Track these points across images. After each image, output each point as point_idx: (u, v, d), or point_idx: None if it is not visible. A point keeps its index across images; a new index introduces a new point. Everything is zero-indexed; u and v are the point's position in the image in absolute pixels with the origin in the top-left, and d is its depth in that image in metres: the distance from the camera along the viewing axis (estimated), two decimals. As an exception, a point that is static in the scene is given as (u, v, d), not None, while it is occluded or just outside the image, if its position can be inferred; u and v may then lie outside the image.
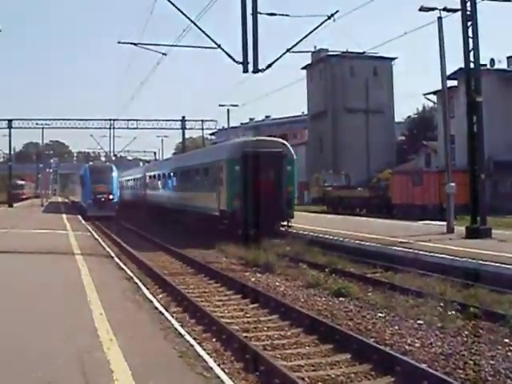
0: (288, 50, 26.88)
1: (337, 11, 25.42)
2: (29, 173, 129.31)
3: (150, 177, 56.76)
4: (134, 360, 8.52)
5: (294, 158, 33.01)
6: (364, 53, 41.37)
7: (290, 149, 33.21)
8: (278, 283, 18.59)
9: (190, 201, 38.29)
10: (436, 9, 26.10)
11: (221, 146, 43.87)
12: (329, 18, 25.45)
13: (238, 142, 36.65)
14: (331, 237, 26.86)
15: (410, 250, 21.33)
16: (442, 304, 14.02)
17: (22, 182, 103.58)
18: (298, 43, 26.68)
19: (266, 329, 12.98)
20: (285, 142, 34.11)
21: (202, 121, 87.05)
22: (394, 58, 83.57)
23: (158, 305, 12.97)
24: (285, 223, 30.92)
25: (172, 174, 47.10)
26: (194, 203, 37.32)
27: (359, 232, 27.67)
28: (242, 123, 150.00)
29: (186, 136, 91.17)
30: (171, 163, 52.19)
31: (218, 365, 9.16)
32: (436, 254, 19.90)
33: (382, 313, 13.98)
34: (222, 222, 31.59)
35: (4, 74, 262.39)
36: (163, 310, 12.37)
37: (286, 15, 28.29)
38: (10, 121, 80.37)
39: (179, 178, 44.40)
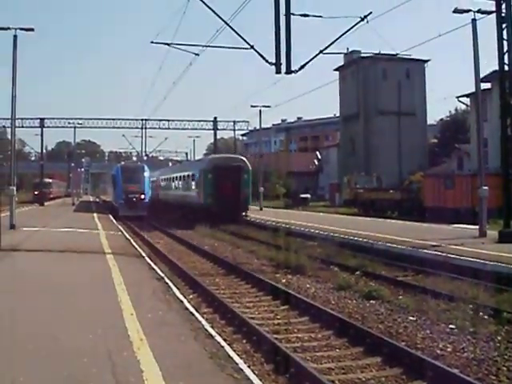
0: (321, 52, 26.77)
1: (370, 12, 25.33)
2: (60, 172, 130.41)
3: (162, 180, 70.64)
4: (164, 360, 8.53)
5: (250, 170, 47.42)
6: (397, 55, 41.04)
7: (247, 162, 47.95)
8: (308, 285, 18.53)
9: (184, 197, 53.19)
10: (470, 10, 25.80)
11: (201, 160, 59.73)
12: (362, 19, 25.33)
13: (211, 158, 53.91)
14: (362, 239, 26.70)
15: (442, 254, 21.13)
16: (474, 308, 13.89)
17: (49, 180, 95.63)
18: (330, 45, 26.57)
19: (296, 331, 12.92)
20: (243, 158, 50.67)
21: (234, 122, 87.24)
22: (427, 60, 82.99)
23: (188, 305, 12.98)
24: (243, 213, 45.34)
25: (173, 178, 61.68)
26: (186, 199, 52.39)
27: (390, 235, 27.48)
28: (273, 124, 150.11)
29: (218, 137, 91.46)
30: (173, 170, 66.20)
31: (248, 366, 9.15)
32: (468, 258, 19.66)
33: (413, 316, 13.85)
34: (202, 212, 44.65)
35: (37, 73, 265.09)
36: (193, 311, 12.39)
37: (319, 16, 28.18)
38: (42, 120, 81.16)
39: (177, 181, 59.00)
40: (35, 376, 7.83)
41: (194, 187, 50.55)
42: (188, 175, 53.99)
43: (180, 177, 57.74)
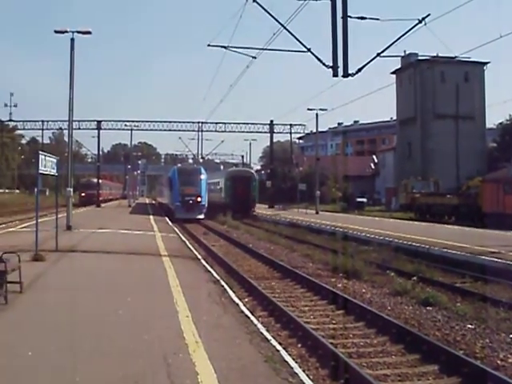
0: (378, 55, 26.54)
1: (428, 15, 25.03)
2: (116, 174, 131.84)
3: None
4: (219, 363, 8.53)
5: (257, 179, 67.80)
6: (455, 57, 40.42)
7: (255, 173, 70.99)
8: (364, 290, 18.41)
9: (212, 198, 60.70)
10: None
11: (223, 171, 78.77)
12: (420, 21, 25.04)
13: (229, 170, 75.10)
14: (418, 244, 26.43)
15: (502, 261, 20.77)
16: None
17: (98, 181, 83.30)
18: (388, 47, 26.32)
19: (352, 336, 12.84)
20: (252, 171, 76.14)
21: (291, 125, 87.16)
22: (486, 63, 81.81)
23: (243, 308, 13.00)
24: (252, 209, 62.96)
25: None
26: (214, 199, 61.10)
27: (447, 240, 27.15)
28: (330, 128, 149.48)
29: (274, 140, 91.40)
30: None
31: (303, 371, 9.10)
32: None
33: (471, 324, 13.63)
34: (224, 207, 58.45)
35: (94, 76, 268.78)
36: (249, 314, 12.40)
37: (376, 19, 27.93)
38: (98, 122, 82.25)
39: (211, 186, 65.42)
40: (91, 376, 7.93)
41: (219, 190, 66.57)
42: (216, 182, 68.77)
43: (211, 183, 65.65)
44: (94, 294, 13.98)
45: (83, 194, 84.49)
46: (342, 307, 15.52)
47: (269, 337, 10.44)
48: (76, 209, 52.47)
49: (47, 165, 20.47)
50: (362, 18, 26.52)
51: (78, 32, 32.77)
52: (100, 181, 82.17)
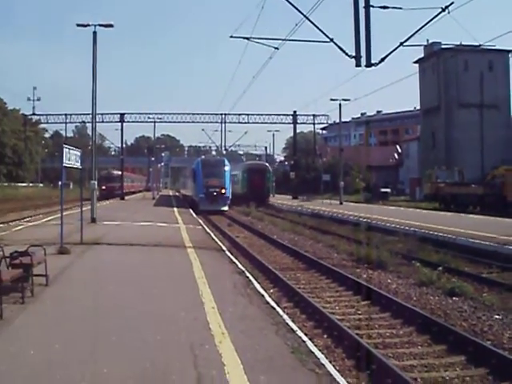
0: (401, 44, 26.38)
1: (452, 3, 24.80)
2: (140, 166, 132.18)
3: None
4: (245, 354, 8.56)
5: (271, 171, 74.36)
6: (479, 46, 40.03)
7: (269, 166, 75.26)
8: (389, 280, 18.36)
9: (233, 189, 59.86)
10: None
11: (241, 165, 78.68)
12: (443, 10, 24.84)
13: (246, 163, 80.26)
14: (443, 234, 26.30)
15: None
16: None
17: (119, 173, 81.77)
18: (411, 37, 26.13)
19: (377, 326, 12.81)
20: (266, 164, 78.65)
21: (314, 115, 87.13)
22: (510, 51, 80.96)
23: (269, 299, 13.00)
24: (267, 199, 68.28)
25: None
26: (233, 190, 59.91)
27: (473, 230, 27.01)
28: (353, 118, 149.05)
29: (297, 130, 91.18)
30: None
31: (330, 361, 9.07)
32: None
33: (498, 315, 13.54)
34: (242, 197, 61.53)
35: (117, 69, 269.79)
36: (274, 305, 12.40)
37: (399, 8, 27.72)
38: (122, 115, 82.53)
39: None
40: (118, 367, 7.98)
41: (237, 182, 69.34)
42: (234, 174, 68.94)
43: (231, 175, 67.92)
44: (119, 286, 14.05)
45: (104, 188, 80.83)
46: (367, 298, 15.46)
47: (294, 328, 10.44)
48: (99, 202, 52.67)
49: (71, 158, 20.58)
50: (385, 8, 26.36)
51: (100, 25, 32.91)
52: (120, 172, 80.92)
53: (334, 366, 8.92)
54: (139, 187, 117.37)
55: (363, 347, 10.50)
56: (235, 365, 8.09)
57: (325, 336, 11.90)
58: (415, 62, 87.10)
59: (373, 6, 25.64)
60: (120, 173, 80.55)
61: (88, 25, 32.60)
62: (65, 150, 19.85)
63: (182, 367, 7.97)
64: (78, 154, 21.62)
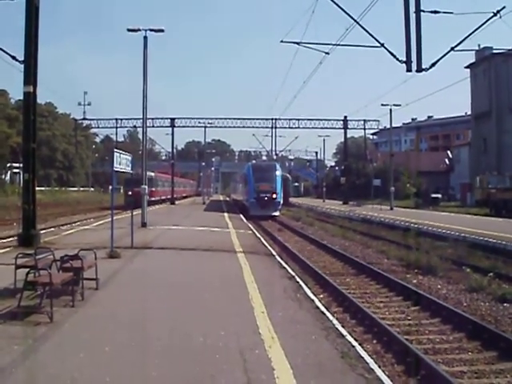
0: (452, 49, 26.15)
1: (503, 7, 24.57)
2: (190, 171, 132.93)
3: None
4: (295, 359, 8.62)
5: (289, 178, 76.34)
6: (533, 50, 39.43)
7: (288, 175, 71.73)
8: (439, 286, 18.27)
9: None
10: None
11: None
12: (495, 14, 24.61)
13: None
14: (494, 240, 26.02)
15: None
16: None
17: (150, 174, 59.88)
18: (462, 41, 25.92)
19: (427, 332, 12.78)
20: (285, 173, 73.99)
21: (364, 120, 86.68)
22: None
23: (319, 304, 13.07)
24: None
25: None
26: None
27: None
28: (403, 123, 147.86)
29: (348, 136, 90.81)
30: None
31: (379, 366, 9.09)
32: None
33: (551, 321, 13.40)
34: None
35: (166, 74, 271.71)
36: (324, 310, 12.46)
37: (450, 13, 27.51)
38: (172, 119, 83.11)
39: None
40: (167, 371, 8.11)
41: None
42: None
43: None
44: (169, 290, 14.22)
45: (130, 193, 62.44)
46: (417, 303, 15.43)
47: (344, 332, 10.49)
48: (150, 206, 52.83)
49: (122, 162, 20.86)
50: (436, 12, 26.18)
51: (151, 30, 33.24)
52: (152, 174, 69.59)
53: (383, 371, 8.95)
54: (189, 192, 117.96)
55: (413, 353, 10.49)
56: (285, 369, 8.16)
57: (374, 341, 11.91)
58: (466, 67, 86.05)
59: (423, 11, 25.48)
60: (152, 174, 69.89)
61: (139, 29, 32.97)
62: (115, 154, 20.13)
63: (231, 371, 8.06)
64: (129, 158, 21.91)
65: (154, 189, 63.02)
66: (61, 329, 10.30)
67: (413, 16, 25.37)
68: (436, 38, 51.82)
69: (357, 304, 15.01)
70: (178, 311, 11.87)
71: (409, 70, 25.83)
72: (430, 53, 26.76)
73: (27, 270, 11.67)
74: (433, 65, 25.97)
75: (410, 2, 25.35)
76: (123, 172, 22.08)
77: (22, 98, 23.83)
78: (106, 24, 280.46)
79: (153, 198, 53.51)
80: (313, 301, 13.37)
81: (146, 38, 33.30)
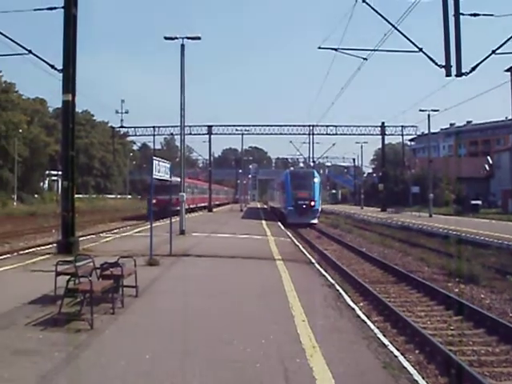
0: (493, 52, 25.72)
1: (547, 9, 24.22)
2: (227, 178, 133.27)
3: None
4: (337, 368, 8.45)
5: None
6: None
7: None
8: (482, 295, 17.93)
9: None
10: None
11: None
12: (537, 15, 24.23)
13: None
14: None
15: None
16: None
17: (176, 180, 33.07)
18: (503, 44, 25.51)
19: (471, 343, 12.48)
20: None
21: (402, 126, 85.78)
22: None
23: (359, 313, 12.87)
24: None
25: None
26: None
27: None
28: (441, 129, 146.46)
29: (385, 142, 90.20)
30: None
31: (423, 378, 8.87)
32: None
33: None
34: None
35: (204, 81, 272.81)
36: (365, 318, 12.26)
37: (490, 15, 27.13)
38: (209, 127, 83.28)
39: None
40: (208, 380, 8.01)
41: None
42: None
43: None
44: (208, 298, 14.12)
45: (154, 202, 53.81)
46: (459, 313, 15.10)
47: (386, 342, 10.29)
48: (188, 213, 52.67)
49: (161, 170, 20.87)
50: (475, 15, 25.83)
51: (188, 38, 33.27)
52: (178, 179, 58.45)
53: (427, 382, 8.75)
54: (226, 199, 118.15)
55: (457, 364, 10.24)
56: (327, 379, 8.00)
57: (416, 351, 11.68)
58: (507, 71, 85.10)
59: (463, 14, 25.13)
60: (179, 180, 60.97)
61: (176, 38, 33.02)
62: (155, 162, 20.14)
63: (272, 380, 7.95)
64: (168, 166, 21.91)
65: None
66: (101, 336, 10.26)
67: (452, 19, 25.08)
68: (476, 41, 51.09)
69: (398, 313, 14.80)
70: (218, 319, 11.77)
71: (448, 74, 25.48)
72: (471, 57, 26.38)
73: (67, 277, 11.68)
74: (473, 69, 25.58)
75: (449, 6, 25.05)
76: (164, 180, 22.09)
77: (59, 106, 24.00)
78: (144, 31, 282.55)
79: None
80: (353, 309, 13.18)
81: (183, 46, 33.38)
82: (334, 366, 8.53)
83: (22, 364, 8.46)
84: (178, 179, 29.76)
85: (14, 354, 8.99)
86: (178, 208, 33.01)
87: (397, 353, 9.71)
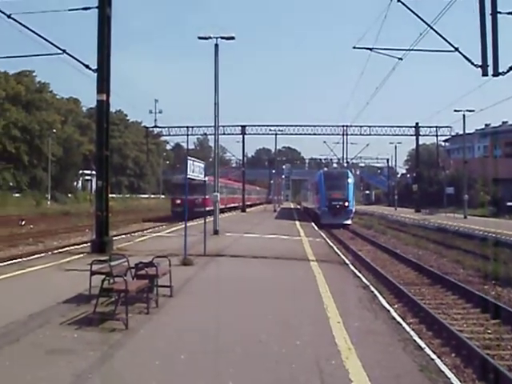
0: (531, 51, 25.45)
1: None
2: (261, 178, 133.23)
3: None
4: (373, 371, 8.38)
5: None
6: None
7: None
8: (520, 299, 17.67)
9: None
10: None
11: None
12: None
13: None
14: None
15: None
16: None
17: (204, 179, 25.54)
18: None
19: (510, 347, 12.25)
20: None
21: (437, 127, 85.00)
22: None
23: (394, 314, 12.78)
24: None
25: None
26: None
27: None
28: (476, 129, 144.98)
29: (420, 143, 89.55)
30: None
31: (460, 381, 8.79)
32: None
33: None
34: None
35: (238, 81, 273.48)
36: (400, 320, 12.16)
37: (529, 13, 26.74)
38: (243, 127, 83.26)
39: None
40: (243, 380, 7.99)
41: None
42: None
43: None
44: (242, 298, 14.16)
45: (178, 202, 57.44)
46: (496, 316, 14.90)
47: (422, 345, 10.19)
48: (221, 213, 52.68)
49: (195, 170, 20.91)
50: (513, 13, 25.51)
51: (222, 38, 33.26)
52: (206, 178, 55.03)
53: (465, 386, 8.63)
54: (256, 200, 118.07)
55: (495, 369, 10.09)
56: (363, 381, 7.94)
57: (453, 355, 11.53)
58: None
59: (500, 13, 24.84)
60: (205, 179, 57.31)
61: (210, 37, 33.00)
62: (189, 162, 20.18)
63: (307, 381, 7.89)
64: (202, 165, 21.94)
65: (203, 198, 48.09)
66: (136, 336, 10.28)
67: (489, 18, 24.78)
68: (512, 40, 50.47)
69: (433, 315, 14.64)
70: (252, 319, 11.76)
71: (485, 74, 25.19)
72: (508, 56, 26.05)
73: (102, 276, 11.72)
74: (511, 68, 25.29)
75: (486, 4, 24.76)
76: (198, 179, 22.14)
77: (93, 106, 24.17)
78: (177, 31, 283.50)
79: (208, 208, 36.23)
80: (388, 311, 13.08)
81: (217, 45, 33.38)
82: (370, 369, 8.45)
83: (57, 363, 8.49)
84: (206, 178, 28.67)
85: (49, 353, 9.04)
86: (203, 209, 32.46)
87: (433, 356, 9.61)
